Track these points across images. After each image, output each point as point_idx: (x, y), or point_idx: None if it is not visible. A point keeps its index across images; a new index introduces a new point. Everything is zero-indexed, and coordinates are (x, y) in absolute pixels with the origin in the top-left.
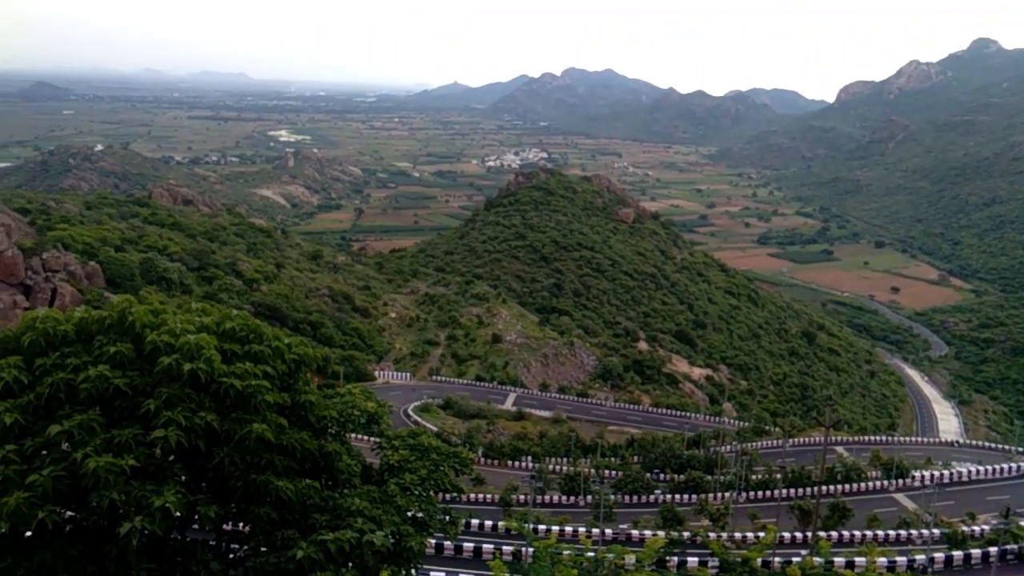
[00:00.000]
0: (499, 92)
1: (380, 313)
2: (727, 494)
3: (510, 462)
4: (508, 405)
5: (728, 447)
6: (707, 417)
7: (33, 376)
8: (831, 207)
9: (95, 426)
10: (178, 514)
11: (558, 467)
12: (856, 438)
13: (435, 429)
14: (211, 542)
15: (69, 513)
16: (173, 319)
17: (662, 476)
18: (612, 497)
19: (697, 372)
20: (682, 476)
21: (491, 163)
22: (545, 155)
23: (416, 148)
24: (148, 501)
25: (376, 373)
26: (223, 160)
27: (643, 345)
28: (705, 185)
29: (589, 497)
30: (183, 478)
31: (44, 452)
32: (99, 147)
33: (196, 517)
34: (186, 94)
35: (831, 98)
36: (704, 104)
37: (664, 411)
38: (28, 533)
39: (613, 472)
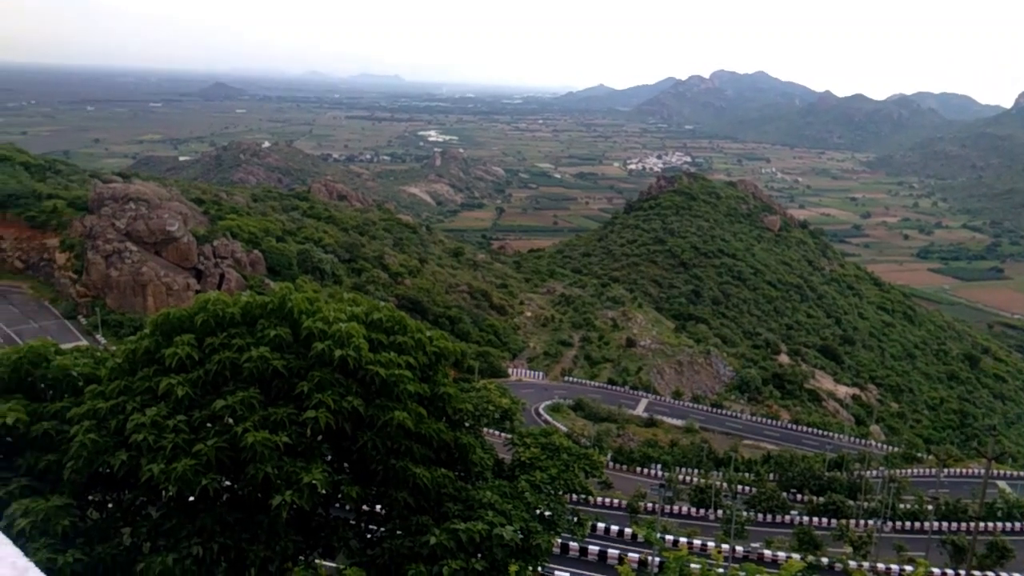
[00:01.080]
0: (644, 94)
1: (516, 311)
2: (871, 522)
3: (639, 468)
4: (639, 411)
5: (874, 472)
6: (852, 439)
7: (203, 353)
8: (1003, 221)
9: (255, 403)
10: (323, 491)
11: (688, 478)
12: (1022, 473)
13: (565, 430)
14: (351, 521)
15: (227, 482)
16: (327, 308)
17: (799, 497)
18: (744, 514)
19: (843, 390)
20: (821, 499)
21: (633, 166)
22: (689, 159)
23: (558, 150)
24: (298, 477)
25: (510, 370)
26: (376, 158)
27: (784, 358)
28: (860, 194)
29: (720, 511)
30: (329, 458)
31: (209, 424)
32: (266, 144)
33: (339, 496)
34: (346, 95)
35: (1008, 103)
36: (863, 108)
37: (804, 429)
38: (191, 498)
39: (746, 488)
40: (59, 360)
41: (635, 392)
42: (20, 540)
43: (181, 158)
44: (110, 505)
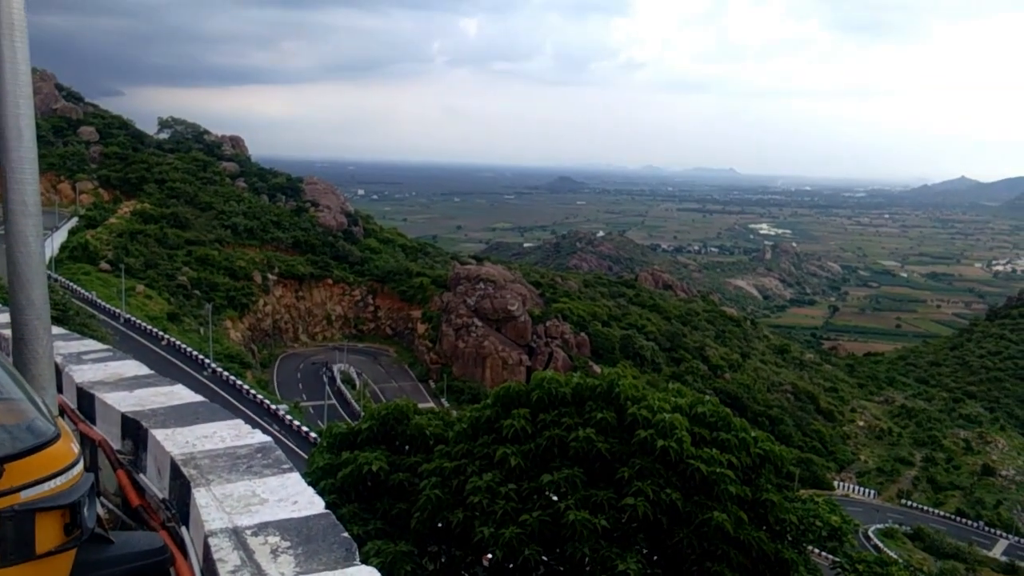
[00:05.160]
0: (1017, 188)
1: (846, 419)
2: None
3: None
4: (996, 553)
5: None
6: None
7: (535, 428)
8: None
9: (577, 482)
10: None
11: None
12: None
13: (900, 561)
14: None
15: (543, 556)
16: (652, 396)
17: None
18: None
19: None
20: None
21: (999, 267)
22: None
23: (906, 247)
24: (612, 563)
25: (835, 483)
26: (703, 250)
27: None
28: None
29: None
30: (643, 549)
31: (535, 496)
32: (600, 233)
33: None
34: (679, 188)
35: None
36: None
37: None
38: (510, 564)
39: None
40: (416, 419)
41: (991, 530)
42: None
43: (525, 244)
44: (443, 559)
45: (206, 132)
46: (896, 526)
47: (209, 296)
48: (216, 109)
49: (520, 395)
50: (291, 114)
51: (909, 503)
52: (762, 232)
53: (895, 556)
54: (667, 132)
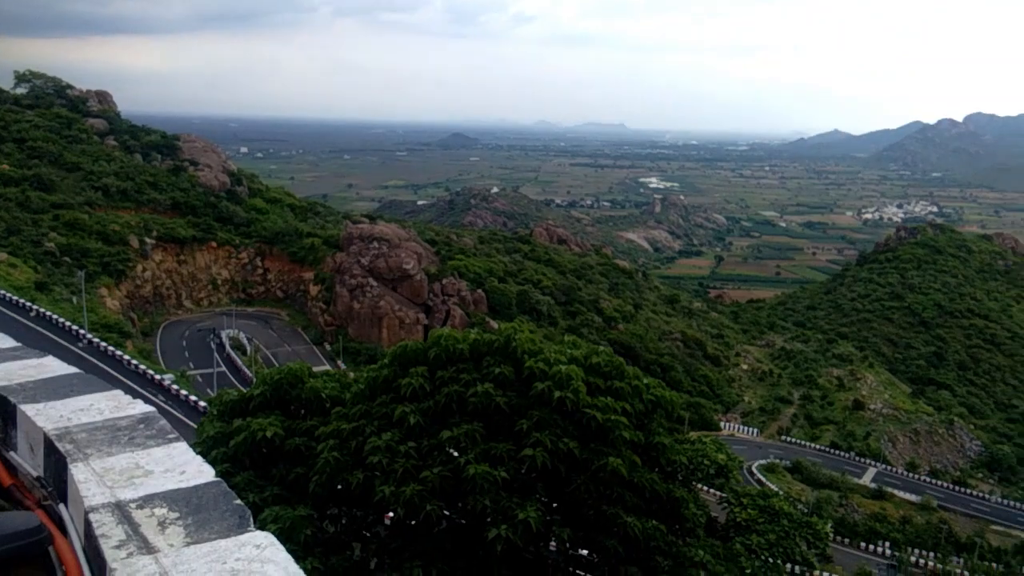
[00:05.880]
0: (885, 140)
1: (731, 363)
2: None
3: (863, 544)
4: (866, 480)
5: None
6: None
7: (434, 385)
8: None
9: (477, 436)
10: (536, 529)
11: (922, 561)
12: None
13: (780, 492)
14: (560, 562)
15: (446, 511)
16: (548, 349)
17: None
18: None
19: None
20: None
21: (868, 215)
22: (935, 209)
23: (785, 197)
24: (513, 513)
25: (722, 424)
26: (596, 204)
27: None
28: None
29: None
30: (543, 497)
31: (435, 453)
32: (495, 189)
33: (551, 536)
34: (571, 143)
35: None
36: None
37: None
38: (413, 522)
39: None
40: (311, 382)
41: (861, 459)
42: None
43: (419, 202)
44: (344, 520)
45: (69, 87)
46: (777, 461)
47: (81, 263)
48: (80, 62)
49: (418, 353)
50: (165, 68)
51: (788, 439)
52: (652, 186)
53: (776, 488)
54: (559, 87)
